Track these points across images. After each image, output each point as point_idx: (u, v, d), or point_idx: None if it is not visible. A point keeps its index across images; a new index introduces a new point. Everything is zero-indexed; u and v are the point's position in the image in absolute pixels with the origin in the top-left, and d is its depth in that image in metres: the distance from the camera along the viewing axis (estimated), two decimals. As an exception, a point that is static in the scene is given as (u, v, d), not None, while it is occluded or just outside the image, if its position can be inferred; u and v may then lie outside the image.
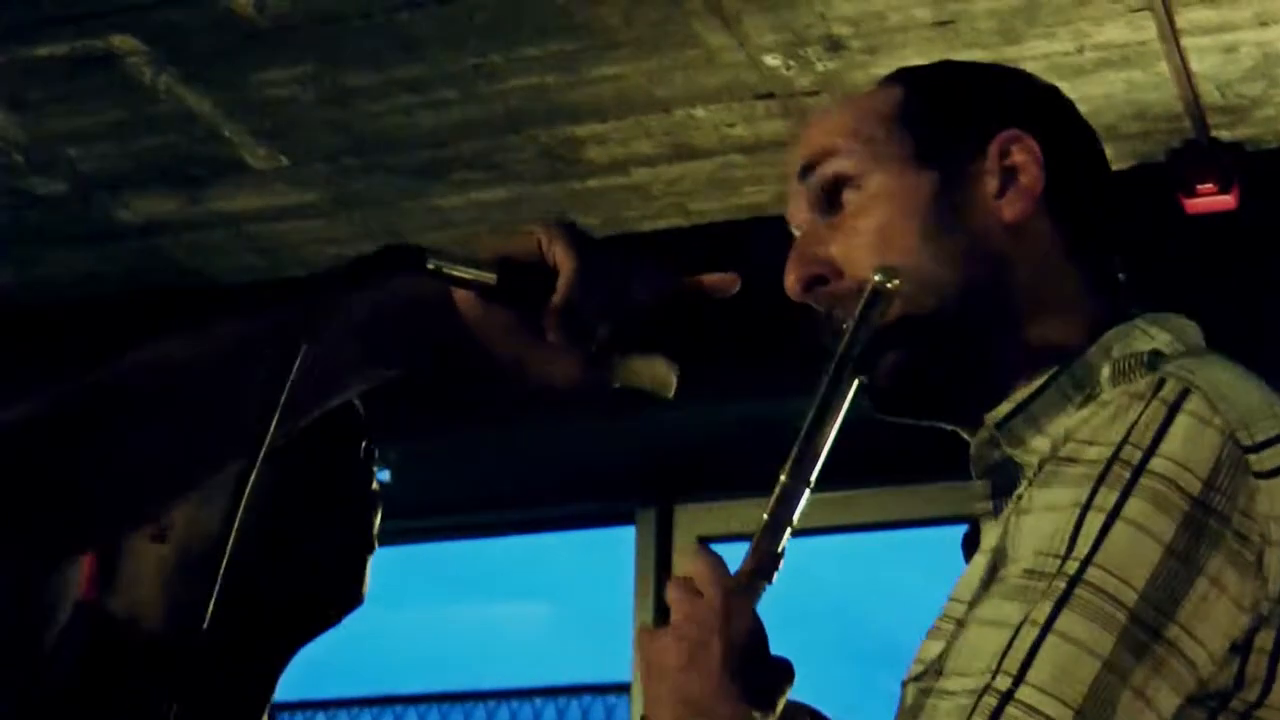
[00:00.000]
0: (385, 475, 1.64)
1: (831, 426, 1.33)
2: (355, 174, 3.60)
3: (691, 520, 4.13)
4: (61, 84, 3.24)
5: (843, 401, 1.33)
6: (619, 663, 4.12)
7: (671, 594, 1.33)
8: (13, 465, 1.09)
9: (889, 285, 1.32)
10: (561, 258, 1.22)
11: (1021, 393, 1.34)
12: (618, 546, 4.34)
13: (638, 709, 4.07)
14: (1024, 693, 1.11)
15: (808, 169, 1.42)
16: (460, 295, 1.25)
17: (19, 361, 3.95)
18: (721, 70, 3.18)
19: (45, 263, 4.02)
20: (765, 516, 1.34)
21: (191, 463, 1.19)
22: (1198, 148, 3.38)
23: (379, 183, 3.64)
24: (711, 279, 1.29)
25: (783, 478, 1.33)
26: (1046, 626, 1.13)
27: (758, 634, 1.32)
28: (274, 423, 1.12)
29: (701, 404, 3.80)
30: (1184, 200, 3.36)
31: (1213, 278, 3.36)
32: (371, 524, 1.61)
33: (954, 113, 1.42)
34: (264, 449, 1.11)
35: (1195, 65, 3.12)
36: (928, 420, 1.43)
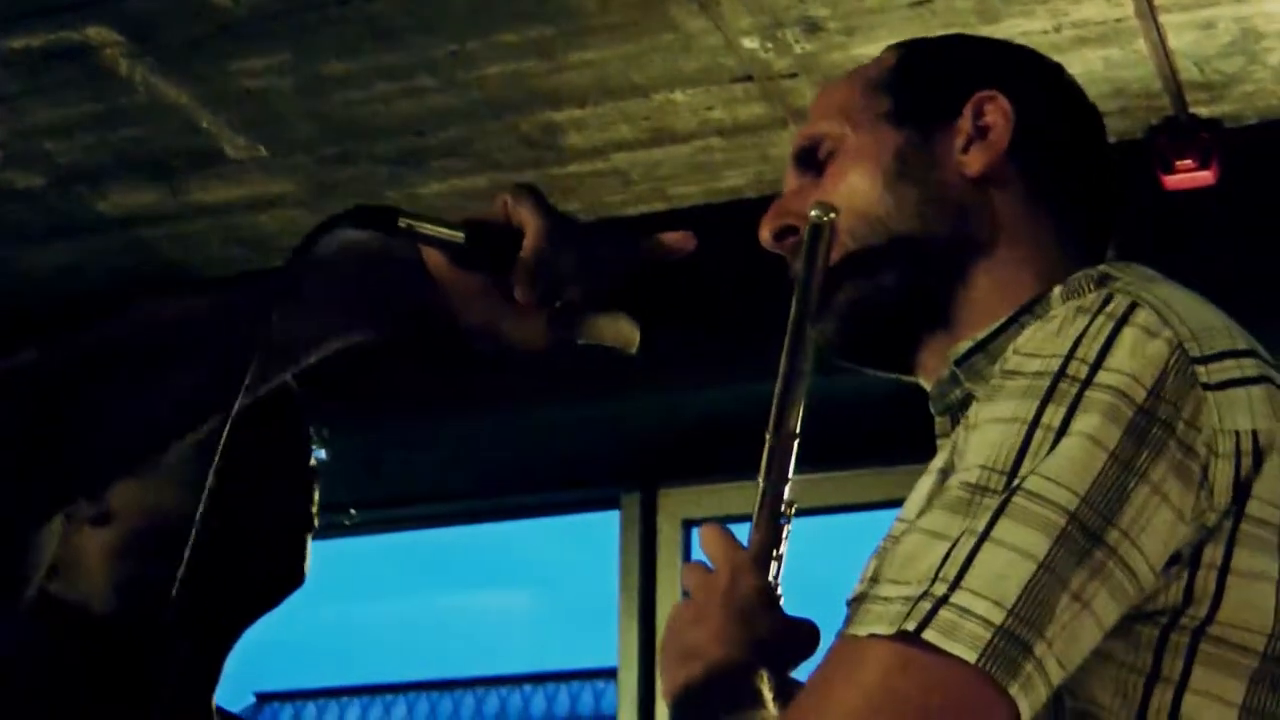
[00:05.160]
0: (322, 454, 1.64)
1: (803, 376, 1.37)
2: (334, 163, 3.60)
3: (676, 504, 4.14)
4: (36, 76, 3.23)
5: (807, 350, 1.38)
6: (606, 648, 4.13)
7: (685, 573, 1.39)
8: (12, 411, 1.12)
9: (825, 218, 1.37)
10: (527, 219, 1.26)
11: (982, 331, 1.36)
12: (600, 532, 4.35)
13: (626, 694, 4.08)
14: (959, 596, 1.09)
15: (798, 155, 1.49)
16: (430, 256, 1.28)
17: None
18: (699, 54, 3.17)
19: (24, 258, 4.01)
20: (760, 482, 1.38)
21: (178, 416, 1.21)
22: (1176, 124, 3.39)
23: (358, 172, 3.63)
24: (670, 237, 1.34)
25: (767, 437, 1.37)
26: (985, 534, 1.12)
27: (765, 596, 1.36)
28: (245, 385, 1.15)
29: (684, 387, 3.81)
30: (1163, 177, 3.37)
31: (1192, 254, 3.36)
32: (312, 502, 1.62)
33: (935, 76, 1.47)
34: (233, 413, 1.15)
35: (1173, 42, 3.13)
36: (886, 368, 1.45)
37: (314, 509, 1.62)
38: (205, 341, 1.21)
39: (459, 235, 1.26)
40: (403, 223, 1.24)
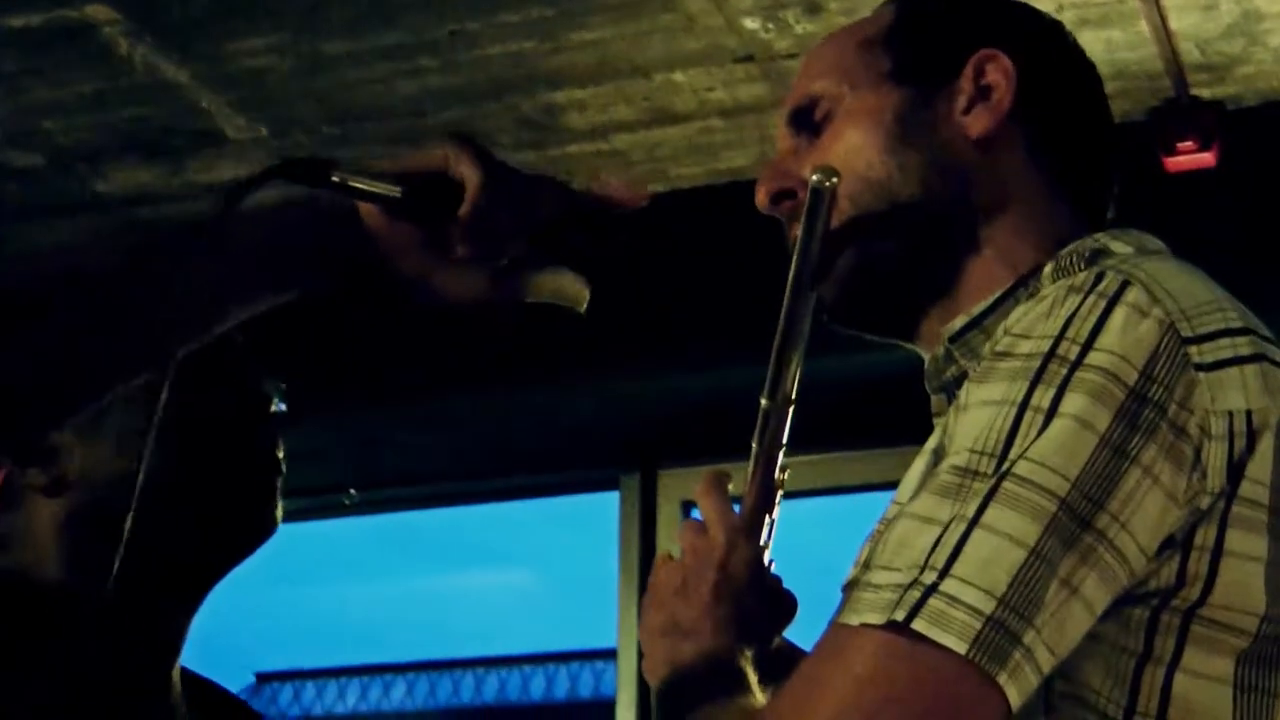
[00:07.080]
0: (283, 406, 1.61)
1: (800, 341, 1.35)
2: (334, 143, 3.59)
3: (675, 485, 4.14)
4: (37, 55, 3.23)
5: (806, 314, 1.35)
6: (606, 629, 4.13)
7: (681, 532, 1.37)
8: None
9: (827, 184, 1.33)
10: (467, 171, 1.21)
11: (977, 307, 1.33)
12: (600, 513, 4.35)
13: (626, 675, 4.08)
14: (948, 584, 1.08)
15: (794, 115, 1.44)
16: (366, 210, 1.24)
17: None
18: (700, 34, 3.17)
19: (23, 237, 4.01)
20: (754, 445, 1.37)
21: (112, 364, 1.18)
22: (1177, 106, 3.39)
23: (358, 152, 3.63)
24: (619, 191, 1.30)
25: (763, 401, 1.35)
26: (974, 521, 1.10)
27: (757, 568, 1.34)
28: (173, 339, 1.12)
29: (684, 368, 3.81)
30: (1164, 158, 3.36)
31: (1192, 236, 3.36)
32: (276, 447, 1.59)
33: (935, 33, 1.43)
34: (165, 368, 1.12)
35: (1175, 23, 3.12)
36: (883, 334, 1.43)
37: (279, 454, 1.59)
38: (125, 291, 1.18)
39: (395, 190, 1.21)
40: (335, 176, 1.20)
